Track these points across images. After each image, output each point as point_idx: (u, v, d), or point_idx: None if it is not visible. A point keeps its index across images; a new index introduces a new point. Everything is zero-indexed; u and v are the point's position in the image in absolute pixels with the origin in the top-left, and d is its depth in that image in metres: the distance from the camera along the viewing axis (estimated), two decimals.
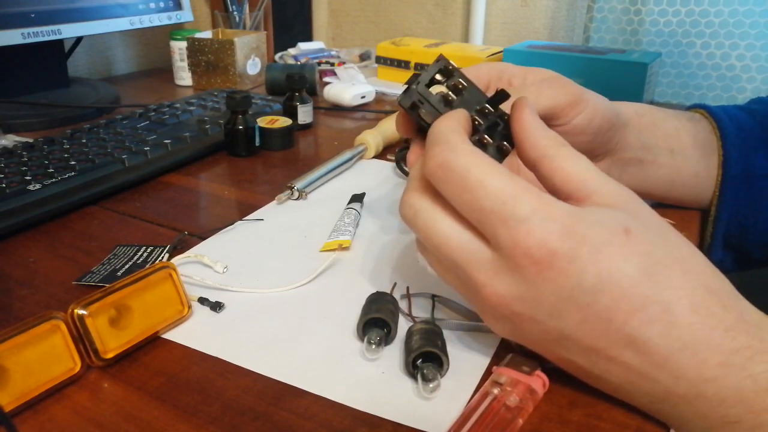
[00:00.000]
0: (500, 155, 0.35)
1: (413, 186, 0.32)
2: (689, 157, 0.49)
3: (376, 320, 0.36)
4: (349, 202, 0.54)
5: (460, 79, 0.34)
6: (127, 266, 0.43)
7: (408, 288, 0.40)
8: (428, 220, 0.31)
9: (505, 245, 0.28)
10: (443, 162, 0.29)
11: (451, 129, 0.31)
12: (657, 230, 0.29)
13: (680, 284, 0.27)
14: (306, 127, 0.78)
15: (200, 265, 0.45)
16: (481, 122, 0.34)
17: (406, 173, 0.61)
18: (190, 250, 0.47)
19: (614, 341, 0.28)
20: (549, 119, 0.40)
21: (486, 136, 0.34)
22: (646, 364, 0.28)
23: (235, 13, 1.05)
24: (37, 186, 0.52)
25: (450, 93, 0.34)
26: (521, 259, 0.27)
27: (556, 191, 0.31)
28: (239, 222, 0.51)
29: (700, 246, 0.53)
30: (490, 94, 0.35)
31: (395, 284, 0.41)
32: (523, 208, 0.27)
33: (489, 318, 0.31)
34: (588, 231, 0.27)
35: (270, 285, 0.42)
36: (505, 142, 0.34)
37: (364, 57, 1.15)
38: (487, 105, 0.34)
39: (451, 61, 0.35)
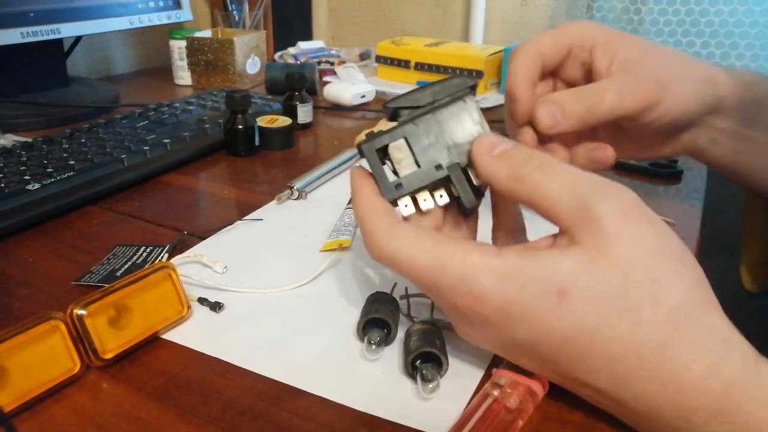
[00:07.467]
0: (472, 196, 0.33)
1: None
2: None
3: (376, 320, 0.36)
4: (349, 202, 0.54)
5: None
6: (127, 266, 0.43)
7: (407, 288, 0.40)
8: None
9: (446, 306, 0.31)
10: (377, 256, 0.31)
11: (369, 215, 0.32)
12: (613, 280, 0.26)
13: (629, 337, 0.26)
14: (306, 126, 0.78)
15: (200, 265, 0.45)
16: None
17: None
18: (190, 250, 0.47)
19: (568, 380, 0.29)
20: (626, 121, 0.40)
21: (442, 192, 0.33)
22: (605, 400, 0.28)
23: (235, 12, 1.05)
24: (36, 186, 0.52)
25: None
26: (465, 314, 0.30)
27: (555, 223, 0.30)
28: (239, 222, 0.51)
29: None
30: (572, 56, 0.40)
31: (395, 284, 0.41)
32: (450, 278, 0.29)
33: None
34: (516, 293, 0.27)
35: (270, 285, 0.42)
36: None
37: (364, 56, 1.15)
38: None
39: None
